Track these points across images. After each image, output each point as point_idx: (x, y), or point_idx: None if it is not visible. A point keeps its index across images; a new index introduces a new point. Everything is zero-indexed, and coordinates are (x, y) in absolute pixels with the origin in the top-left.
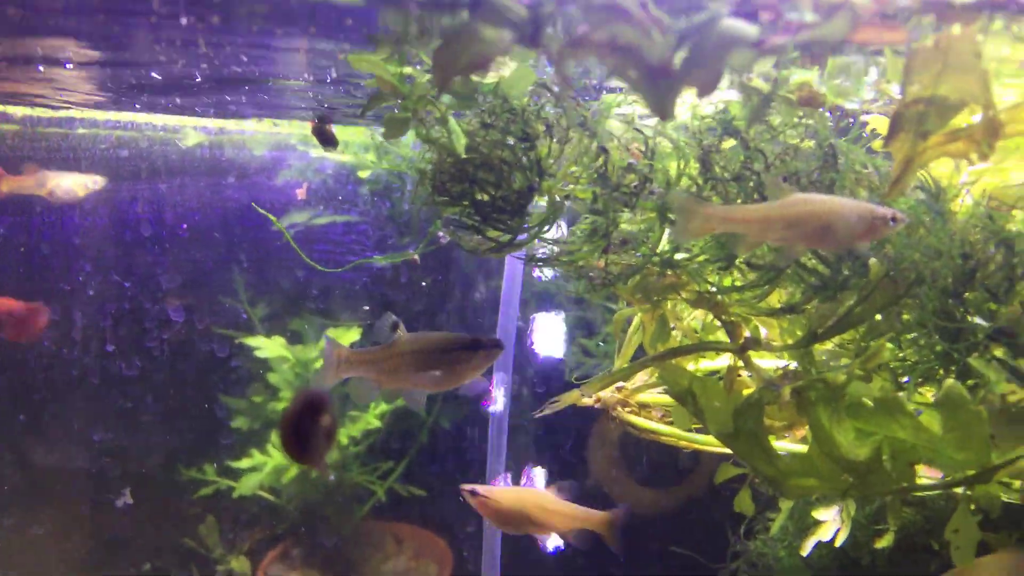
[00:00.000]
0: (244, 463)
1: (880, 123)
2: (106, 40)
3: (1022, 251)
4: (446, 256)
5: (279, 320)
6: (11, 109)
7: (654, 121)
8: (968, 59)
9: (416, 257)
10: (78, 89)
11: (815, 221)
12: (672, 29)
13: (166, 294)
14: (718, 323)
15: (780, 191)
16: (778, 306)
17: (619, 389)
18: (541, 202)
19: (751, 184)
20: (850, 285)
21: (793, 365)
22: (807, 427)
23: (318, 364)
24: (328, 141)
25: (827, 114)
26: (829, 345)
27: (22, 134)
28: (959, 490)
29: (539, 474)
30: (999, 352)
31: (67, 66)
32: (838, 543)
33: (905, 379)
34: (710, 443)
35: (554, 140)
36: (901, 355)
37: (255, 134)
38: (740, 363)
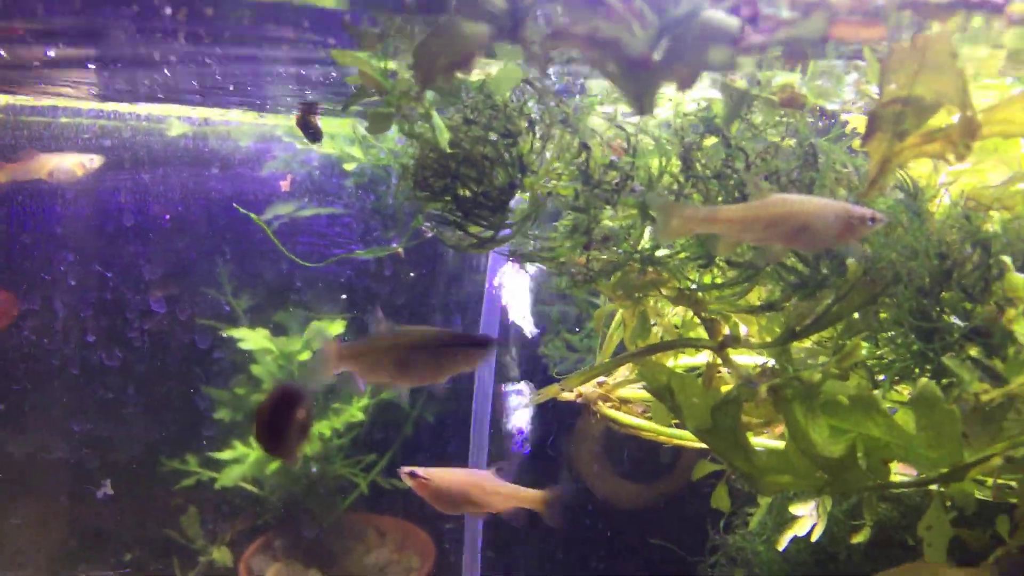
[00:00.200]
0: (226, 454)
1: (861, 123)
2: (88, 32)
3: (998, 252)
4: (431, 250)
5: (262, 312)
6: None
7: (636, 119)
8: (944, 59)
9: (400, 251)
10: (61, 78)
11: (794, 221)
12: (653, 22)
13: (148, 285)
14: (698, 320)
15: (759, 191)
16: (757, 304)
17: (600, 384)
18: (524, 198)
19: (732, 183)
20: (828, 284)
21: (771, 363)
22: (784, 424)
23: (302, 356)
24: (313, 133)
25: (808, 114)
26: (807, 343)
27: (3, 123)
28: (932, 487)
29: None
30: (974, 352)
31: (48, 54)
32: (814, 538)
33: (881, 377)
34: (689, 439)
35: (536, 136)
36: (878, 353)
37: (240, 125)
38: (719, 360)
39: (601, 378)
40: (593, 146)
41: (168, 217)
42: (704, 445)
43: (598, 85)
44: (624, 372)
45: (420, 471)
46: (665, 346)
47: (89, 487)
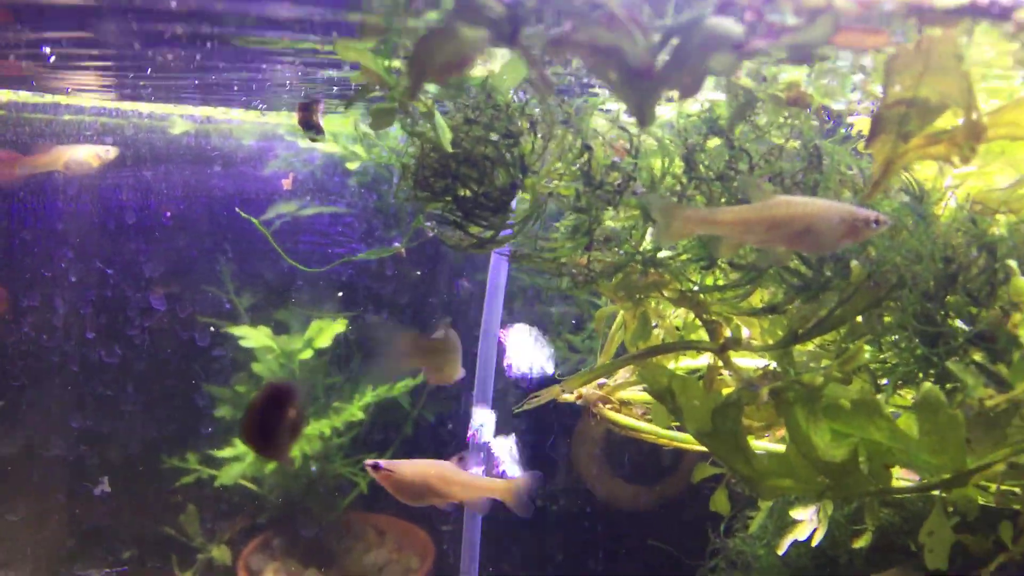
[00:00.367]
0: (226, 452)
1: (865, 124)
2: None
3: (1004, 255)
4: (433, 249)
5: (263, 310)
6: None
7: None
8: (949, 61)
9: (402, 251)
10: (62, 75)
11: (796, 223)
12: (655, 29)
13: (149, 282)
14: (700, 322)
15: (761, 193)
16: (760, 306)
17: (601, 386)
18: (525, 198)
19: (735, 184)
20: (832, 286)
21: (773, 366)
22: (786, 428)
23: (303, 355)
24: (314, 130)
25: (812, 115)
26: (810, 347)
27: (5, 119)
28: (935, 493)
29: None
30: (978, 356)
31: (44, 48)
32: (814, 542)
33: (884, 381)
34: (690, 441)
35: (538, 137)
36: (881, 357)
37: (242, 123)
38: (720, 363)
39: (602, 380)
40: (595, 147)
41: (169, 215)
42: (704, 448)
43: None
44: (625, 374)
45: (383, 463)
46: (666, 348)
47: (88, 485)
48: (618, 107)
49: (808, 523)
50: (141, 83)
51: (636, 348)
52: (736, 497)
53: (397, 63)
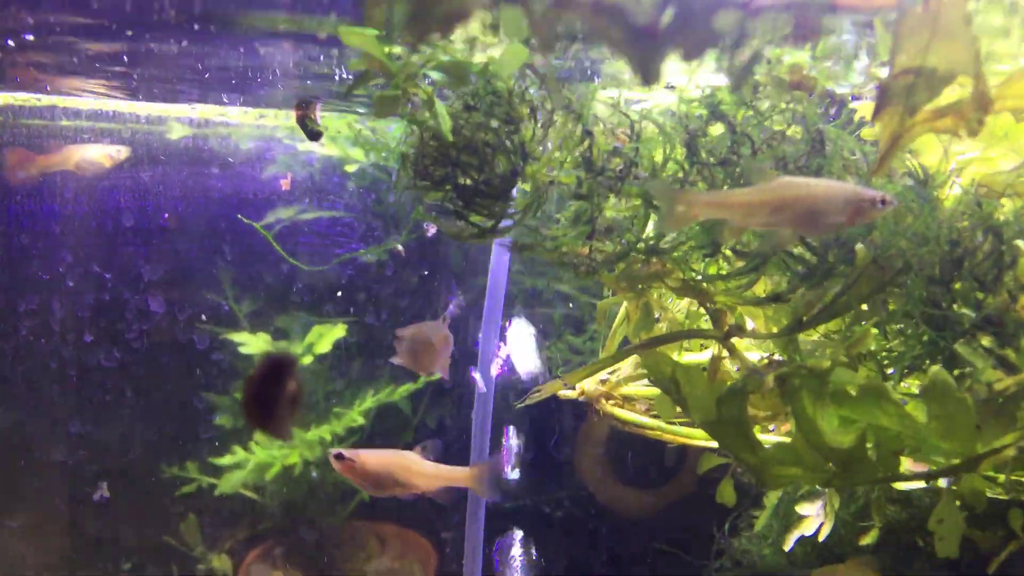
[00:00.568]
0: (226, 460)
1: (868, 110)
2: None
3: (1011, 239)
4: (433, 252)
5: (263, 316)
6: None
7: (640, 106)
8: (958, 26)
9: (401, 248)
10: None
11: (800, 205)
12: None
13: (147, 287)
14: (703, 313)
15: (763, 176)
16: (764, 295)
17: (603, 382)
18: (526, 188)
19: (737, 170)
20: (836, 272)
21: (777, 356)
22: (792, 420)
23: (304, 361)
24: (313, 131)
25: (816, 100)
26: (815, 335)
27: (2, 124)
28: (941, 483)
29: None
30: (986, 341)
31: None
32: (821, 537)
33: (891, 371)
34: (694, 436)
35: (538, 123)
36: (888, 346)
37: (240, 126)
38: (724, 352)
39: (604, 375)
40: (596, 133)
41: (166, 216)
42: (709, 443)
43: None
44: (627, 369)
45: (346, 452)
46: (669, 338)
47: (88, 490)
48: (619, 93)
49: (815, 518)
50: (134, 75)
51: (639, 339)
52: (741, 496)
53: (398, 49)
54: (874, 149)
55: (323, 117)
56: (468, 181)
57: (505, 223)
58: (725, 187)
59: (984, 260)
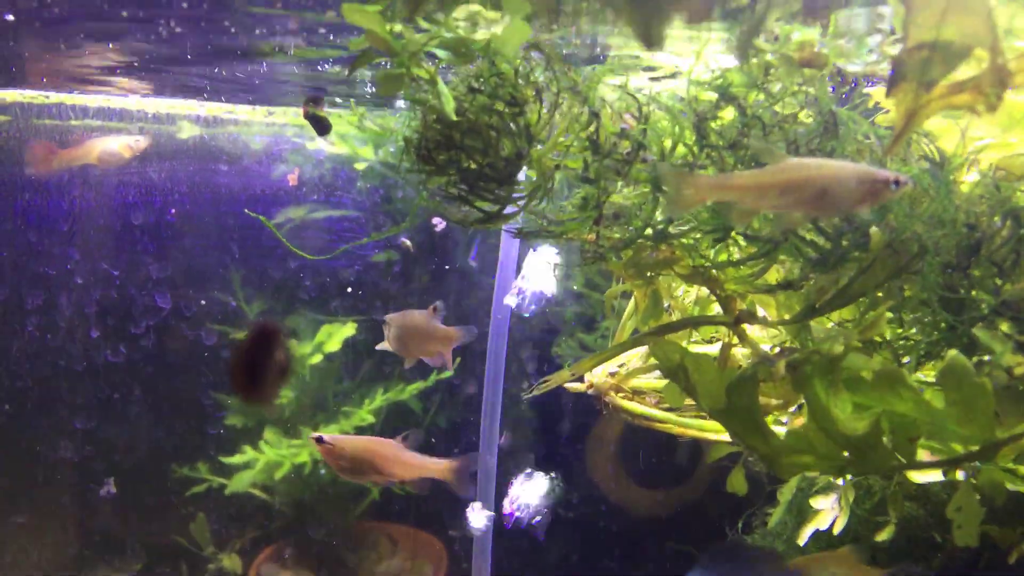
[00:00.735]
0: (236, 459)
1: (883, 95)
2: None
3: None
4: (442, 248)
5: (273, 315)
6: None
7: (648, 90)
8: None
9: (408, 243)
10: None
11: (812, 186)
12: None
13: (156, 284)
14: (714, 301)
15: (773, 156)
16: (775, 283)
17: (612, 375)
18: (532, 175)
19: (744, 152)
20: (850, 258)
21: (790, 344)
22: (804, 401)
23: (313, 360)
24: (320, 125)
25: (826, 79)
26: (828, 324)
27: (11, 124)
28: (958, 475)
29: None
30: (1005, 327)
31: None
32: (836, 531)
33: (907, 360)
34: (705, 428)
35: (544, 106)
36: (902, 332)
37: (251, 124)
38: (735, 339)
39: (613, 368)
40: (603, 115)
41: (173, 211)
42: (721, 436)
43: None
44: (637, 361)
45: (327, 436)
46: (678, 325)
47: (97, 490)
48: (626, 76)
49: (829, 512)
50: (138, 62)
51: (647, 328)
52: (755, 493)
53: (399, 27)
54: (889, 134)
55: (331, 113)
56: (472, 165)
57: (511, 209)
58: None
59: (1002, 245)
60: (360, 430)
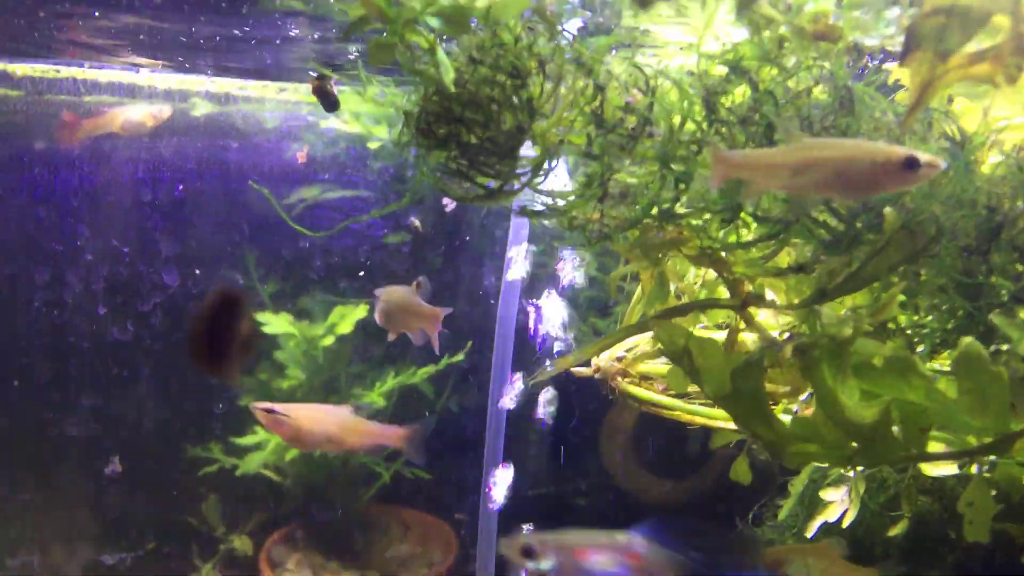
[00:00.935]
0: (248, 440)
1: (901, 73)
2: None
3: None
4: (453, 229)
5: (284, 296)
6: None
7: (657, 63)
8: None
9: (417, 223)
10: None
11: (829, 167)
12: None
13: (165, 263)
14: (721, 285)
15: (790, 136)
16: (786, 266)
17: (620, 359)
18: (537, 151)
19: (758, 129)
20: (864, 240)
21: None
22: (812, 388)
23: (325, 341)
24: (329, 100)
25: (841, 52)
26: (840, 310)
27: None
28: (973, 470)
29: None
30: None
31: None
32: (845, 524)
33: (920, 348)
34: (713, 416)
35: (547, 78)
36: (918, 320)
37: (264, 101)
38: (742, 323)
39: (621, 353)
40: (610, 89)
41: (181, 188)
42: (729, 424)
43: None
44: (644, 347)
45: (278, 407)
46: (684, 308)
47: (107, 473)
48: (633, 49)
49: (839, 504)
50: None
51: (653, 311)
52: (766, 485)
53: None
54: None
55: (341, 91)
56: (473, 139)
57: (513, 186)
58: (748, 147)
59: None
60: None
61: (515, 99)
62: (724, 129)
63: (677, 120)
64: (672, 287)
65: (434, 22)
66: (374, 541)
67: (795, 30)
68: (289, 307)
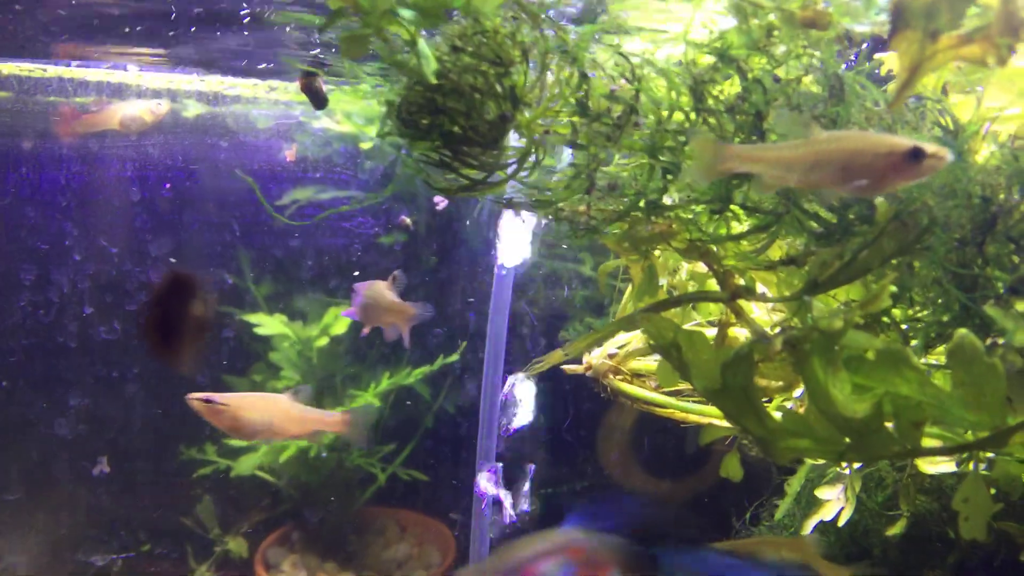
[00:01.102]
0: (241, 441)
1: (893, 61)
2: None
3: None
4: (447, 227)
5: (278, 297)
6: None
7: (641, 50)
8: None
9: (408, 221)
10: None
11: (840, 159)
12: None
13: (153, 263)
14: (711, 279)
15: (798, 127)
16: (777, 259)
17: (612, 356)
18: (521, 143)
19: (742, 117)
20: (856, 231)
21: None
22: (803, 382)
23: (319, 342)
24: (318, 97)
25: (832, 40)
26: (832, 303)
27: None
28: (970, 467)
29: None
30: (1021, 307)
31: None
32: (842, 522)
33: (914, 343)
34: (705, 413)
35: (530, 67)
36: (912, 314)
37: (256, 100)
38: (732, 317)
39: (613, 350)
40: (595, 79)
41: (168, 185)
42: (722, 422)
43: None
44: (636, 343)
45: (216, 396)
46: (673, 302)
47: (105, 472)
48: (619, 37)
49: (835, 502)
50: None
51: (643, 304)
52: (763, 485)
53: None
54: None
55: (332, 91)
56: (456, 129)
57: (497, 178)
58: (737, 139)
59: (1021, 220)
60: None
61: (498, 88)
62: (712, 119)
63: (665, 108)
64: (664, 283)
65: (408, 14)
66: (371, 543)
67: (784, 16)
68: (281, 307)
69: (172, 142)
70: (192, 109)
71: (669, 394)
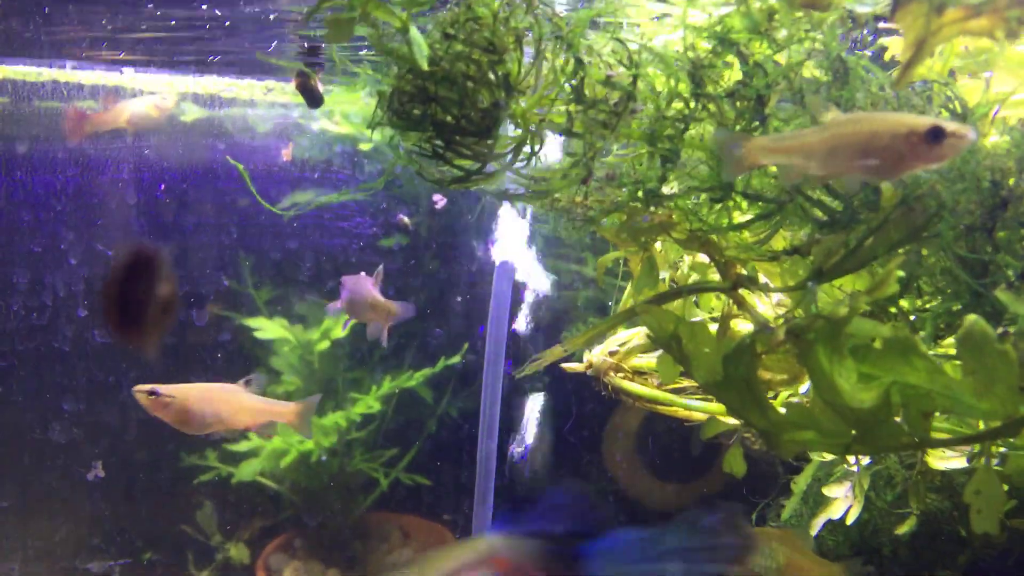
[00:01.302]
0: (242, 446)
1: (898, 46)
2: None
3: None
4: (446, 228)
5: (277, 301)
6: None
7: (639, 36)
8: None
9: (407, 221)
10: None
11: (858, 142)
12: None
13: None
14: (712, 270)
15: (822, 111)
16: (781, 249)
17: (612, 354)
18: (516, 133)
19: (747, 104)
20: (861, 219)
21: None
22: (807, 372)
23: (320, 346)
24: (314, 96)
25: (835, 23)
26: (839, 295)
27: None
28: (982, 463)
29: None
30: None
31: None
32: (850, 520)
33: (923, 333)
34: (708, 411)
35: (524, 53)
36: (920, 304)
37: (254, 102)
38: (734, 309)
39: (614, 347)
40: (592, 65)
41: (163, 186)
42: (727, 419)
43: None
44: (637, 340)
45: (161, 388)
46: (673, 294)
47: (105, 479)
48: (615, 21)
49: (843, 500)
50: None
51: (642, 297)
52: (770, 485)
53: None
54: (909, 91)
55: (330, 91)
56: (448, 118)
57: (491, 168)
58: (739, 126)
59: None
60: (368, 418)
61: (491, 75)
62: (712, 105)
63: (664, 93)
64: (665, 277)
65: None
66: (373, 548)
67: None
68: (280, 310)
69: (163, 137)
70: (191, 114)
71: (671, 391)
